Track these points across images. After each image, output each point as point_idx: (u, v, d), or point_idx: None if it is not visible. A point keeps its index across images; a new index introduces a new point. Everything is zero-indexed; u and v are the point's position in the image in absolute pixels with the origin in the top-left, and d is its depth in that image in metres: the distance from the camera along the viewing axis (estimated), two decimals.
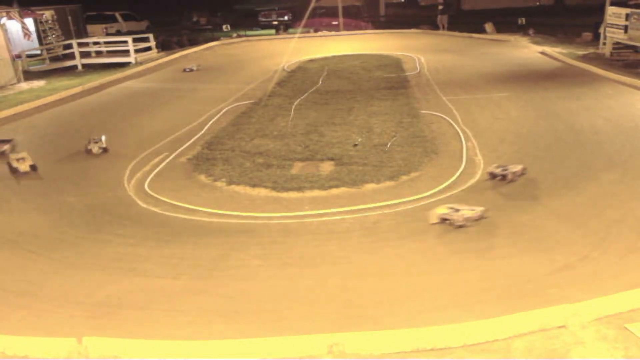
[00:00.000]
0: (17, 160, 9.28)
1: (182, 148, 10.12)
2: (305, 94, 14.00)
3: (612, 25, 16.49)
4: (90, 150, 10.18)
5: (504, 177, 7.60)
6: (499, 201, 7.22)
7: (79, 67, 20.42)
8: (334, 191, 7.82)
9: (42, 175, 9.18)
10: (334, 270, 5.71)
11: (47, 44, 21.20)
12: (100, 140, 10.27)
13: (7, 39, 17.67)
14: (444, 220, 6.44)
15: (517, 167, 7.68)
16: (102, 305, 5.12)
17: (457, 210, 6.42)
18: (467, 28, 25.05)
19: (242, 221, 7.07)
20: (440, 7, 26.15)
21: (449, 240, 6.21)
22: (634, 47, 16.00)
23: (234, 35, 28.20)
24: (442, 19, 25.97)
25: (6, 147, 10.24)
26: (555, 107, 11.59)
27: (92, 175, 9.05)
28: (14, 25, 18.97)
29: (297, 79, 16.37)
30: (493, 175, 7.71)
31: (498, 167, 7.76)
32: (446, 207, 6.55)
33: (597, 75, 14.43)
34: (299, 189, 7.91)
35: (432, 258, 5.87)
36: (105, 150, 10.17)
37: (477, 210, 6.46)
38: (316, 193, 7.79)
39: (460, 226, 6.29)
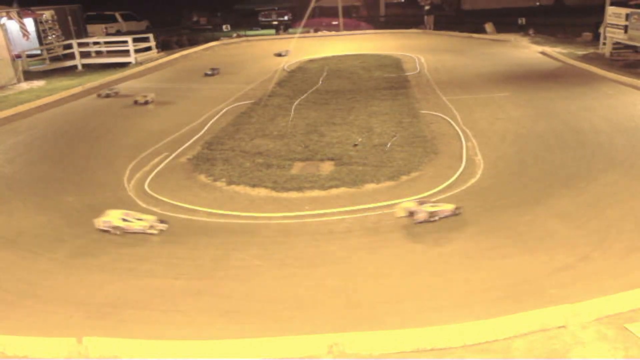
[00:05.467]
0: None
1: (182, 148, 10.12)
2: (306, 94, 14.00)
3: (612, 25, 16.49)
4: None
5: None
6: (498, 201, 7.22)
7: (79, 67, 20.43)
8: (334, 191, 7.82)
9: (43, 175, 9.19)
10: (334, 270, 5.70)
11: (47, 44, 21.20)
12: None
13: (7, 39, 17.68)
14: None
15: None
16: (102, 305, 5.12)
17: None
18: (467, 28, 25.06)
19: (242, 221, 7.07)
20: (427, 8, 26.93)
21: (449, 240, 6.20)
22: (634, 47, 16.00)
23: (234, 35, 28.20)
24: (428, 20, 26.74)
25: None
26: (555, 107, 11.59)
27: (92, 175, 9.05)
28: (14, 25, 18.97)
29: (297, 79, 16.37)
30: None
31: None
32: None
33: (597, 75, 14.44)
34: (299, 189, 7.90)
35: (431, 258, 5.86)
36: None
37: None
38: (316, 193, 7.79)
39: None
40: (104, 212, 6.72)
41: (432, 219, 6.40)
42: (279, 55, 20.74)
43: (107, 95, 15.16)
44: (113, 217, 6.57)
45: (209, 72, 17.97)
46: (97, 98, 15.13)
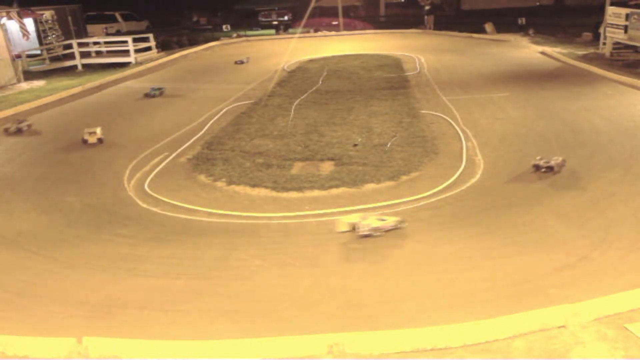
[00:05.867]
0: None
1: (182, 148, 10.12)
2: (305, 94, 14.00)
3: (612, 25, 16.49)
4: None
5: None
6: (498, 201, 7.23)
7: (79, 67, 20.42)
8: (334, 191, 7.82)
9: (43, 175, 9.19)
10: (334, 270, 5.71)
11: (47, 44, 21.20)
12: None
13: (7, 39, 17.68)
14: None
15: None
16: (102, 305, 5.12)
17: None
18: (467, 28, 25.06)
19: (242, 221, 7.07)
20: (427, 8, 27.06)
21: (449, 240, 6.21)
22: (634, 47, 15.99)
23: (234, 35, 28.19)
24: (428, 20, 26.87)
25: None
26: (555, 107, 11.59)
27: (92, 175, 9.05)
28: (14, 25, 18.96)
29: (297, 79, 16.36)
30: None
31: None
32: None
33: (597, 75, 14.43)
34: (299, 189, 7.91)
35: (432, 258, 5.87)
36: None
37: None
38: (316, 193, 7.79)
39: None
40: (339, 222, 6.36)
41: (560, 170, 7.75)
42: (240, 62, 19.90)
43: (18, 130, 11.42)
44: (370, 220, 6.25)
45: (150, 93, 14.77)
46: (5, 135, 11.36)
